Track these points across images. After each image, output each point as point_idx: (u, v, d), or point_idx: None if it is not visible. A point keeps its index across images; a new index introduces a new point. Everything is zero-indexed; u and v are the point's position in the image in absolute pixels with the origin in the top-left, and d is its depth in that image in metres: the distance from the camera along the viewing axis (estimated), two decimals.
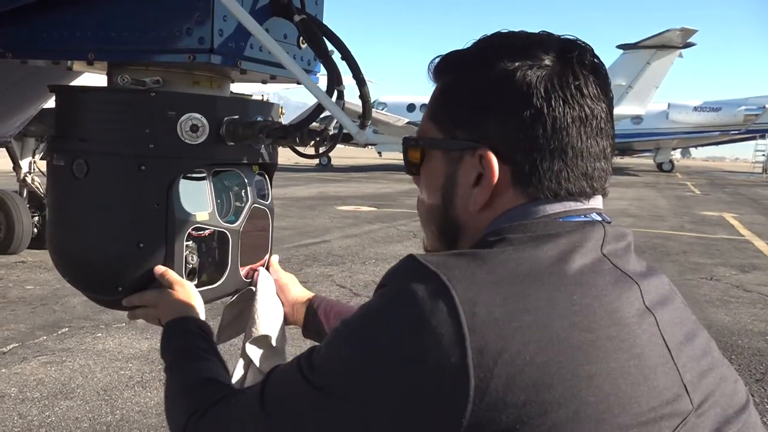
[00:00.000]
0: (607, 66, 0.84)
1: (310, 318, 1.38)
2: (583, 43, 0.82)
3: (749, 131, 33.69)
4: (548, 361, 0.63)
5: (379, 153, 32.61)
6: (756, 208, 15.95)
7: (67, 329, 4.38)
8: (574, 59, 0.79)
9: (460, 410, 0.62)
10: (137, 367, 3.70)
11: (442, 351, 0.63)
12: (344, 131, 1.33)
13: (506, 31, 0.84)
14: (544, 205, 0.78)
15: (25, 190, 7.14)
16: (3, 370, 3.59)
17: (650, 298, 0.74)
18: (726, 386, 0.75)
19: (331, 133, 1.28)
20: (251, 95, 1.40)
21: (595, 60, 0.81)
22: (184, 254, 1.21)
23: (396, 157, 33.62)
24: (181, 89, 1.25)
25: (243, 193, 1.31)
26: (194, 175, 1.20)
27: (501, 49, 0.80)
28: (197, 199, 1.20)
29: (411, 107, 30.81)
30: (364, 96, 1.22)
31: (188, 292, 1.17)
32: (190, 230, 1.20)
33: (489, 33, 0.85)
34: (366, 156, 38.92)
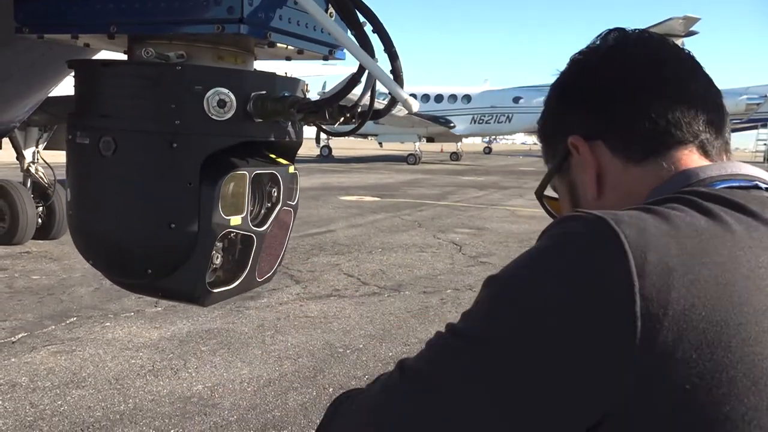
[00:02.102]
0: None
1: None
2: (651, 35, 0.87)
3: (751, 120, 33.63)
4: (727, 320, 0.57)
5: (380, 144, 32.53)
6: None
7: (75, 319, 4.35)
8: (667, 50, 0.85)
9: (623, 362, 0.57)
10: (148, 356, 3.67)
11: (606, 296, 0.58)
12: (373, 108, 1.29)
13: None
14: (697, 171, 0.74)
15: (29, 180, 7.09)
16: (13, 360, 3.56)
17: None
18: None
19: (359, 110, 1.24)
20: (273, 72, 1.36)
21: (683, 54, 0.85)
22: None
23: (396, 147, 33.54)
24: (205, 64, 1.20)
25: (275, 195, 1.28)
26: (239, 173, 1.17)
27: (568, 65, 0.89)
28: (236, 203, 1.17)
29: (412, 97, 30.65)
30: (396, 70, 1.18)
31: None
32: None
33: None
34: (367, 147, 38.84)
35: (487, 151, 46.06)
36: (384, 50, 1.19)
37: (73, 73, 1.28)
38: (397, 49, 1.19)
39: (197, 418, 2.90)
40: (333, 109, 1.18)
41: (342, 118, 1.22)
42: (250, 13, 1.09)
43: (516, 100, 30.09)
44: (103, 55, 1.58)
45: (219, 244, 1.21)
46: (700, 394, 0.56)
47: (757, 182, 0.73)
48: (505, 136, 63.29)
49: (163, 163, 1.12)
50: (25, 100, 2.38)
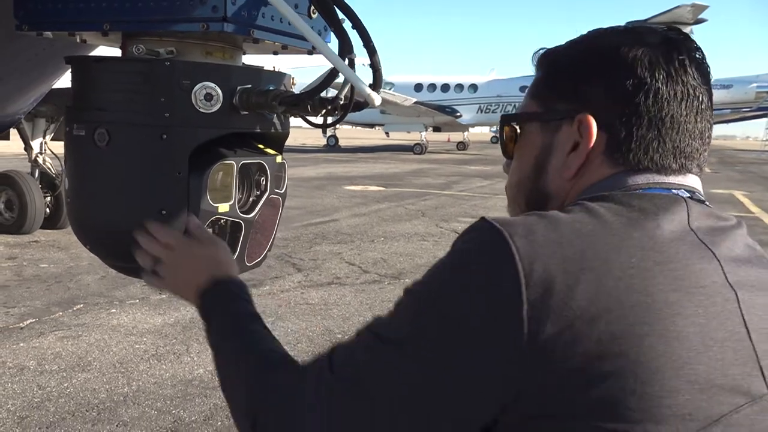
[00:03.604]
0: None
1: None
2: (689, 36, 0.86)
3: (761, 108, 33.30)
4: (598, 318, 0.65)
5: (387, 133, 32.52)
6: (766, 185, 15.85)
7: (82, 305, 4.46)
8: (680, 42, 0.82)
9: (517, 355, 0.66)
10: (151, 341, 3.77)
11: (501, 302, 0.66)
12: (355, 100, 1.35)
13: None
14: (627, 178, 0.80)
15: (37, 171, 7.20)
16: (21, 344, 3.67)
17: (737, 278, 0.72)
18: None
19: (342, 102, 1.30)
20: (263, 67, 1.42)
21: (699, 54, 0.83)
22: None
23: (403, 137, 33.52)
24: (194, 59, 1.27)
25: (263, 184, 1.35)
26: (226, 162, 1.23)
27: (605, 32, 0.86)
28: (224, 191, 1.24)
29: (418, 87, 30.63)
30: (374, 64, 1.24)
31: (227, 250, 1.15)
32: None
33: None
34: (373, 137, 38.83)
35: (495, 140, 45.86)
36: (363, 45, 1.26)
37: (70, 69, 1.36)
38: (375, 44, 1.26)
39: (197, 400, 3.00)
40: (314, 101, 1.25)
41: (323, 110, 1.29)
42: (233, 12, 1.16)
43: (523, 89, 29.51)
44: (103, 50, 1.66)
45: (209, 230, 1.29)
46: (574, 379, 0.64)
47: (674, 190, 0.79)
48: None
49: (153, 154, 1.19)
50: (29, 93, 2.46)
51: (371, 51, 1.24)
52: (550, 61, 0.89)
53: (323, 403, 0.75)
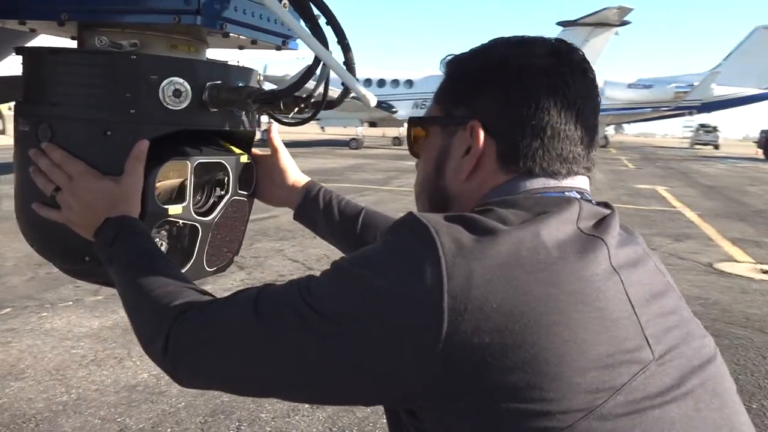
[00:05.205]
0: None
1: (306, 203, 1.43)
2: (576, 47, 0.93)
3: (679, 108, 35.23)
4: (512, 309, 0.70)
5: (322, 128, 32.36)
6: (686, 181, 16.78)
7: (9, 309, 4.20)
8: (564, 54, 0.89)
9: (433, 347, 0.70)
10: (89, 346, 3.60)
11: (423, 293, 0.71)
12: (327, 99, 1.33)
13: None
14: (524, 182, 0.87)
15: None
16: None
17: (618, 261, 0.80)
18: (692, 341, 0.82)
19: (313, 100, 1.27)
20: (227, 61, 1.37)
21: (585, 63, 0.91)
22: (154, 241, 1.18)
23: (339, 132, 33.43)
24: (157, 53, 1.20)
25: (224, 185, 1.28)
26: (178, 161, 1.16)
27: (501, 43, 0.93)
28: (175, 192, 1.18)
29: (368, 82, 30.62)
30: (348, 62, 1.22)
31: (133, 186, 1.10)
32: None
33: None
34: (308, 131, 38.47)
35: None
36: (337, 42, 1.23)
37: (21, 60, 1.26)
38: (349, 42, 1.23)
39: (144, 406, 2.88)
40: (288, 99, 1.21)
41: (296, 108, 1.25)
42: (205, 4, 1.11)
43: None
44: (45, 40, 1.55)
45: (164, 233, 1.21)
46: (491, 367, 0.70)
47: (566, 192, 0.86)
48: None
49: (96, 152, 1.12)
50: None
51: (346, 48, 1.22)
52: (452, 68, 0.97)
53: (240, 336, 0.80)
